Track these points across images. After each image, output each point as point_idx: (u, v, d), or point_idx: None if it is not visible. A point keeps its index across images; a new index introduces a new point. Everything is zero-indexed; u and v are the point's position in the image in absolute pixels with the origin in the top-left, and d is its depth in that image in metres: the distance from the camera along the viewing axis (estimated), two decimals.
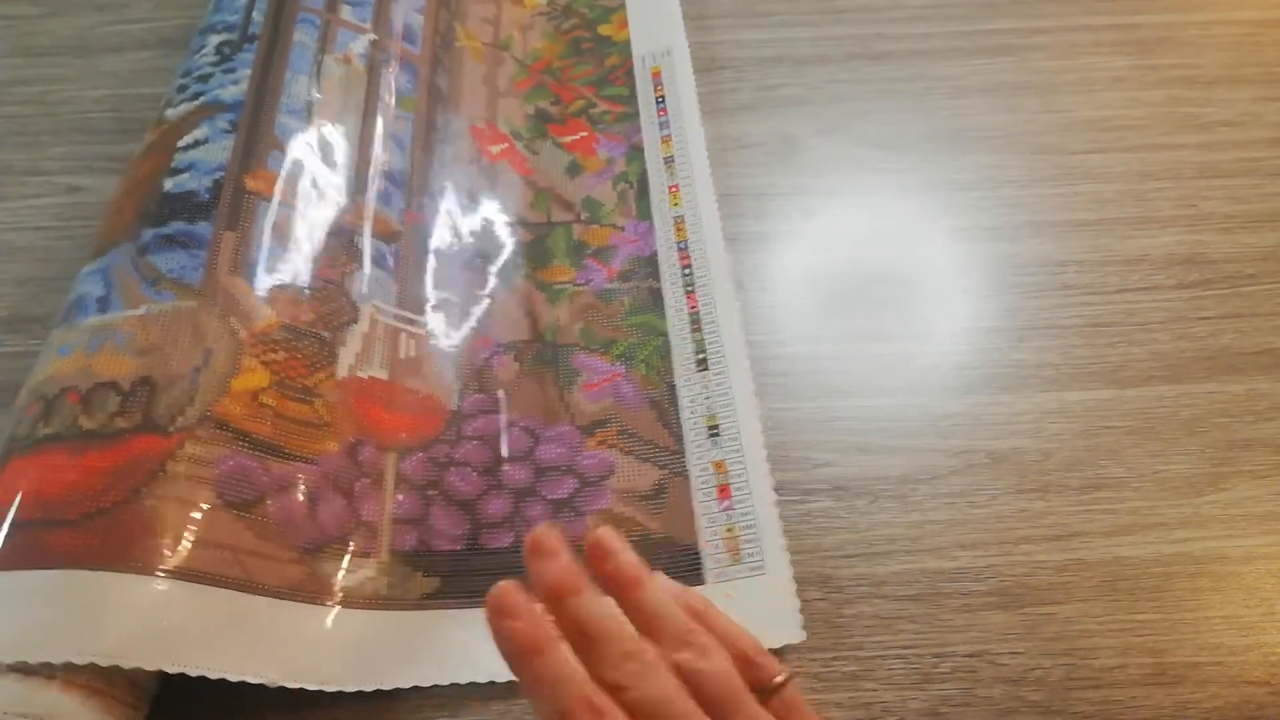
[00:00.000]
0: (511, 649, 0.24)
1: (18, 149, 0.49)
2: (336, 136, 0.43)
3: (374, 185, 0.43)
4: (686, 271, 0.43)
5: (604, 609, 0.25)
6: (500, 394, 0.40)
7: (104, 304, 0.36)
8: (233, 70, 0.43)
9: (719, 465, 0.37)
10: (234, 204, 0.39)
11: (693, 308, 0.42)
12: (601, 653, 0.24)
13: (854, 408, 0.40)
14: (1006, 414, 0.39)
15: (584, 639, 0.24)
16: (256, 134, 0.41)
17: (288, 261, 0.38)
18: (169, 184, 0.39)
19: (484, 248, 0.44)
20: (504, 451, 0.38)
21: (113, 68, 0.52)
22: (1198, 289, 0.43)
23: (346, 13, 0.48)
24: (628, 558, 0.26)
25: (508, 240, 0.45)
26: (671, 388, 0.40)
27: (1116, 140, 0.48)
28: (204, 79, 0.43)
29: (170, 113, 0.43)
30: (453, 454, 0.38)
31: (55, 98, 0.51)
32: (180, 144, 0.41)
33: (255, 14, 0.46)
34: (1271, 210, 0.46)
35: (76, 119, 0.50)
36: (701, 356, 0.40)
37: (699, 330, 0.41)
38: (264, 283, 0.37)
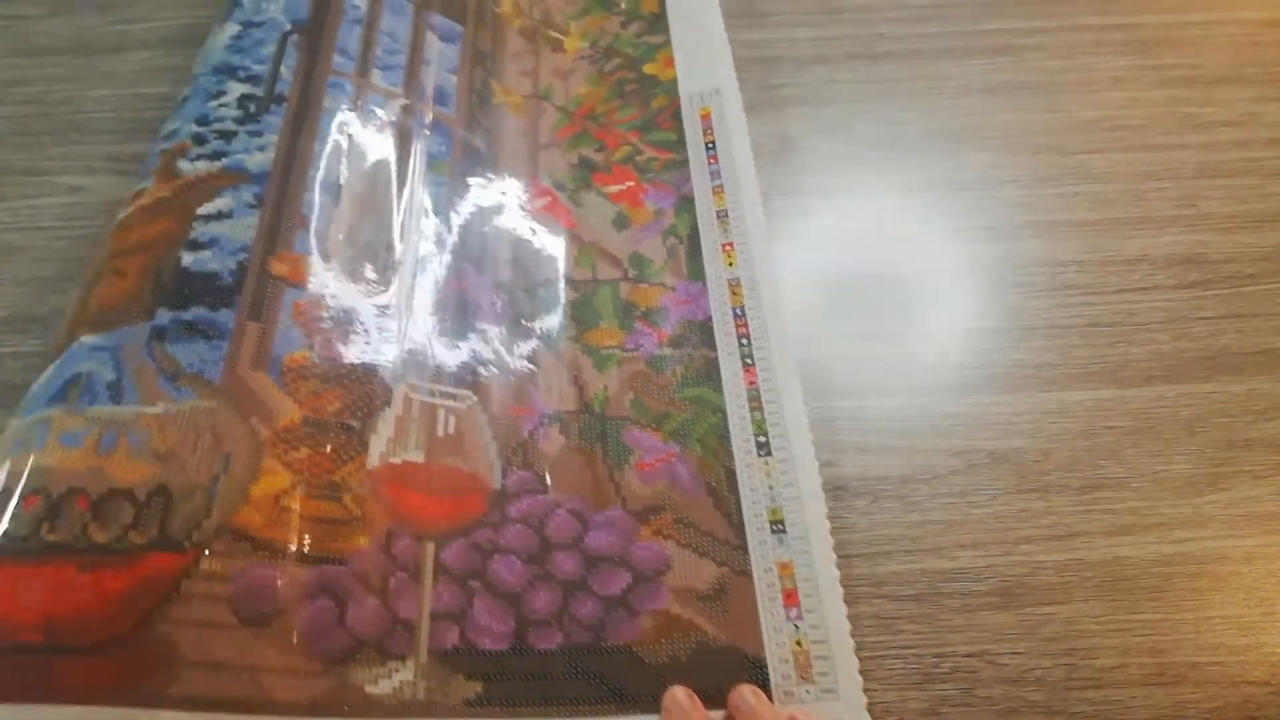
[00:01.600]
0: None
1: (18, 149, 0.49)
2: (367, 211, 0.41)
3: (409, 257, 0.41)
4: (744, 342, 0.39)
5: None
6: (546, 472, 0.37)
7: (116, 392, 0.34)
8: (259, 134, 0.41)
9: (785, 567, 0.34)
10: (258, 290, 0.37)
11: (751, 383, 0.38)
12: None
13: (854, 408, 0.40)
14: (1006, 414, 0.39)
15: None
16: (283, 211, 0.39)
17: (313, 350, 0.36)
18: (189, 259, 0.37)
19: (527, 310, 0.41)
20: (551, 537, 0.35)
21: (113, 68, 0.52)
22: (1198, 289, 0.43)
23: (377, 77, 0.46)
24: (764, 715, 0.31)
25: (552, 300, 0.42)
26: (730, 473, 0.36)
27: (1116, 140, 0.48)
28: (226, 136, 0.41)
29: (186, 166, 0.40)
30: (496, 539, 0.35)
31: (55, 98, 0.51)
32: (201, 211, 0.39)
33: (283, 69, 0.44)
34: (1271, 210, 0.46)
35: (76, 119, 0.50)
36: (762, 440, 0.37)
37: (759, 409, 0.38)
38: (287, 375, 0.36)
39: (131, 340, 0.35)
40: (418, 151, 0.44)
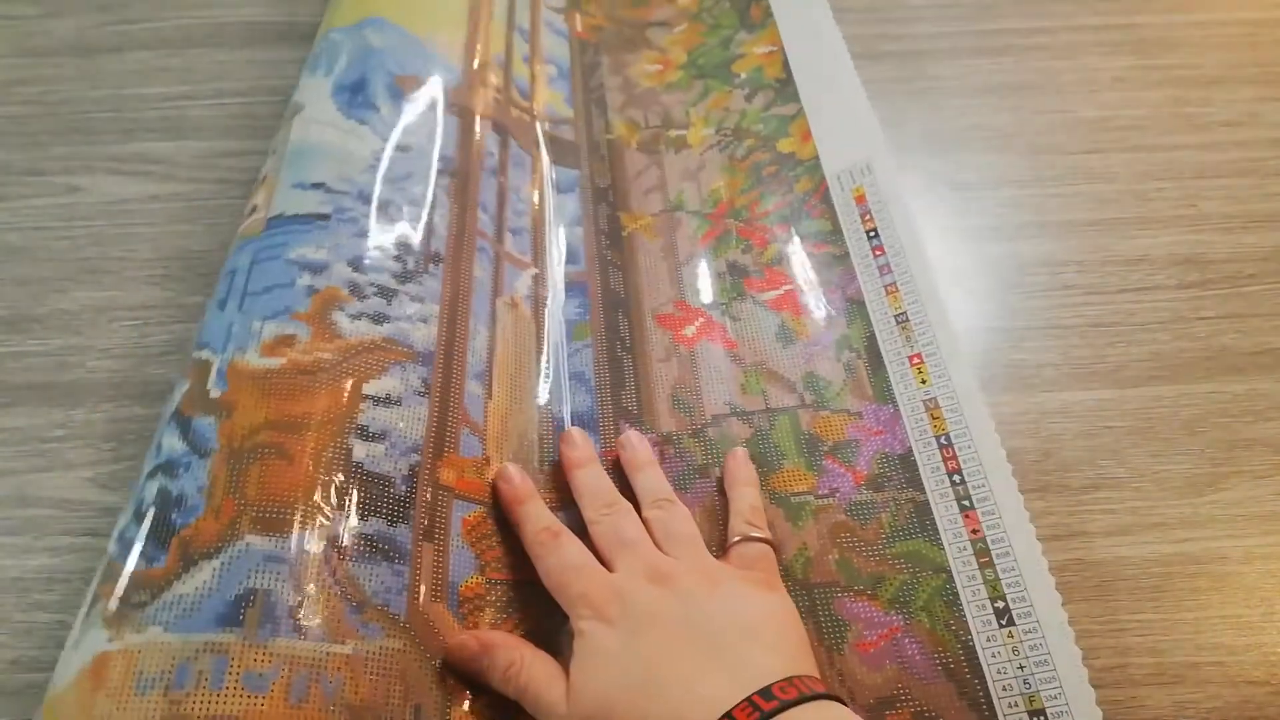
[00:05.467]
0: (503, 502, 0.33)
1: (18, 149, 0.49)
2: (515, 406, 0.36)
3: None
4: (957, 479, 0.33)
5: (597, 477, 0.34)
6: None
7: (297, 623, 0.27)
8: (420, 300, 0.35)
9: None
10: (431, 505, 0.31)
11: (974, 532, 0.32)
12: (587, 502, 0.33)
13: None
14: (1006, 414, 0.39)
15: (581, 497, 0.33)
16: (448, 407, 0.33)
17: (482, 576, 0.32)
18: (361, 452, 0.31)
19: (702, 460, 0.36)
20: None
21: (113, 68, 0.52)
22: (1198, 289, 0.43)
23: (510, 243, 0.40)
24: (642, 454, 0.35)
25: (725, 441, 0.36)
26: (969, 650, 0.30)
27: (1116, 140, 0.48)
28: (386, 295, 0.34)
29: (345, 324, 0.33)
30: None
31: (55, 98, 0.51)
32: (369, 390, 0.32)
33: (436, 219, 0.37)
34: (1271, 210, 0.46)
35: (76, 119, 0.50)
36: (1001, 605, 0.31)
37: (989, 566, 0.31)
38: (464, 606, 0.31)
39: (308, 548, 0.29)
40: (556, 324, 0.39)
